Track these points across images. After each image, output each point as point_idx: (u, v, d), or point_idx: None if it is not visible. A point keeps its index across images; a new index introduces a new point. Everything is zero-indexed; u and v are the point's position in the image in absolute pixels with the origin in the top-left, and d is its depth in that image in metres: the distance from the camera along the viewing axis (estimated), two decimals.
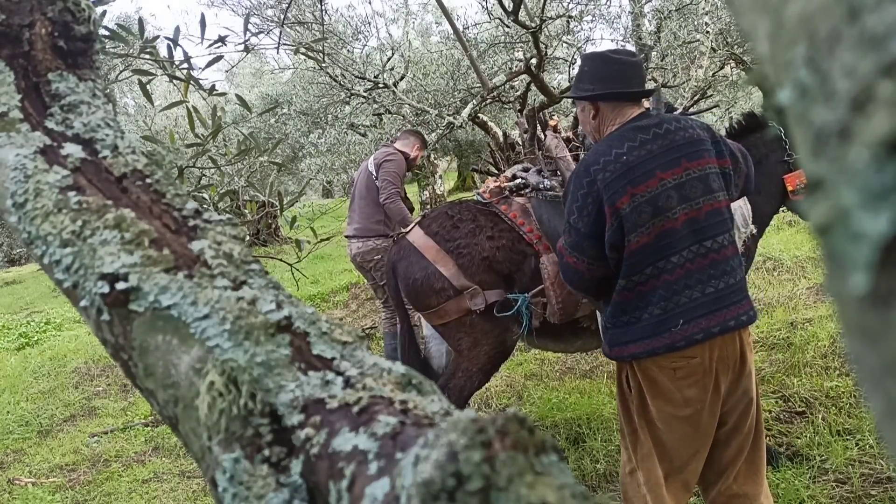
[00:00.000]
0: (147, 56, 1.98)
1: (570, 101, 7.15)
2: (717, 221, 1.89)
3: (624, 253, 1.89)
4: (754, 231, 2.84)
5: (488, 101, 5.33)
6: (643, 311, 1.90)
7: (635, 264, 1.88)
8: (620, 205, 1.86)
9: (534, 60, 4.82)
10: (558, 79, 7.69)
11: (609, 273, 1.95)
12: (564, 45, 6.31)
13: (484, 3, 6.07)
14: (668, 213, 1.85)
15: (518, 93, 5.50)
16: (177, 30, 2.05)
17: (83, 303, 0.60)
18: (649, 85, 5.52)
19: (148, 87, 2.07)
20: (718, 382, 1.91)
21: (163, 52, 2.02)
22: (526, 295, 2.72)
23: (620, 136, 1.93)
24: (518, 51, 5.90)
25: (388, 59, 6.44)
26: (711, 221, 1.88)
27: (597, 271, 1.95)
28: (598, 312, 2.79)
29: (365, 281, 7.13)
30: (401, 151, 4.37)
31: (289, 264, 2.65)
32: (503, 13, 4.78)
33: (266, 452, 0.49)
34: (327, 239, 3.07)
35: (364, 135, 6.66)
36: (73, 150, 0.67)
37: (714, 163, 1.93)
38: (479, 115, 5.62)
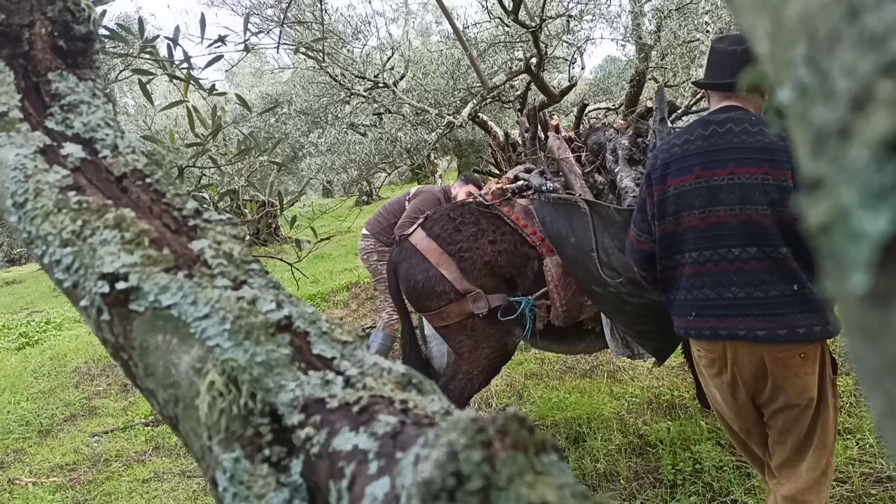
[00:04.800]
0: (147, 56, 1.98)
1: (570, 100, 7.16)
2: (750, 233, 1.81)
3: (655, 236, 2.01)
4: None
5: (488, 100, 5.33)
6: (675, 292, 2.00)
7: (663, 249, 1.98)
8: (656, 191, 1.96)
9: (534, 60, 4.82)
10: (558, 78, 7.69)
11: (652, 249, 2.03)
12: (564, 44, 6.30)
13: (484, 3, 6.07)
14: (695, 210, 1.87)
15: (518, 92, 5.50)
16: (177, 29, 2.05)
17: (83, 302, 0.60)
18: (650, 85, 5.52)
19: (148, 86, 2.07)
20: (736, 383, 1.92)
21: (163, 52, 2.02)
22: (529, 298, 2.72)
23: (689, 128, 2.00)
24: (518, 50, 5.90)
25: (388, 59, 6.44)
26: (743, 231, 1.81)
27: (644, 244, 2.04)
28: (601, 315, 2.79)
29: (365, 281, 7.15)
30: (445, 191, 4.29)
31: (289, 264, 2.65)
32: (503, 12, 4.78)
33: (266, 452, 0.49)
34: (327, 238, 3.07)
35: (364, 134, 6.66)
36: (73, 150, 0.67)
37: (776, 174, 1.81)
38: (480, 114, 5.62)
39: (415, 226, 2.94)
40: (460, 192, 4.14)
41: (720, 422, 2.16)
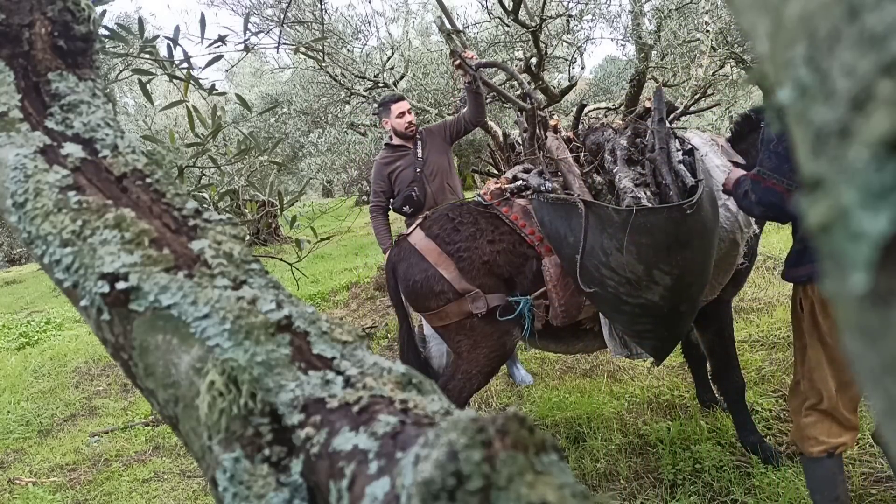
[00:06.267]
0: (147, 56, 1.98)
1: (570, 100, 7.15)
2: None
3: None
4: (756, 231, 2.84)
5: (488, 100, 5.32)
6: None
7: None
8: None
9: (534, 59, 4.82)
10: (558, 78, 7.68)
11: None
12: (564, 44, 6.30)
13: (484, 3, 6.07)
14: None
15: (518, 92, 5.49)
16: (177, 29, 2.05)
17: (83, 302, 0.60)
18: (650, 85, 5.52)
19: (148, 86, 2.07)
20: None
21: (163, 52, 2.02)
22: (528, 298, 2.72)
23: None
24: (518, 50, 5.90)
25: (388, 59, 6.44)
26: None
27: (795, 192, 2.06)
28: (600, 315, 2.79)
29: (365, 281, 7.15)
30: (383, 149, 4.12)
31: (289, 264, 2.65)
32: (503, 12, 4.78)
33: (266, 452, 0.49)
34: (327, 238, 3.07)
35: (364, 134, 6.66)
36: (73, 150, 0.67)
37: None
38: None
39: (413, 225, 2.94)
40: (387, 125, 4.02)
41: (813, 372, 2.18)
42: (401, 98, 4.02)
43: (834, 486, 2.18)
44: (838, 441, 2.15)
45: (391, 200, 4.02)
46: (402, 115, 3.92)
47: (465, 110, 3.95)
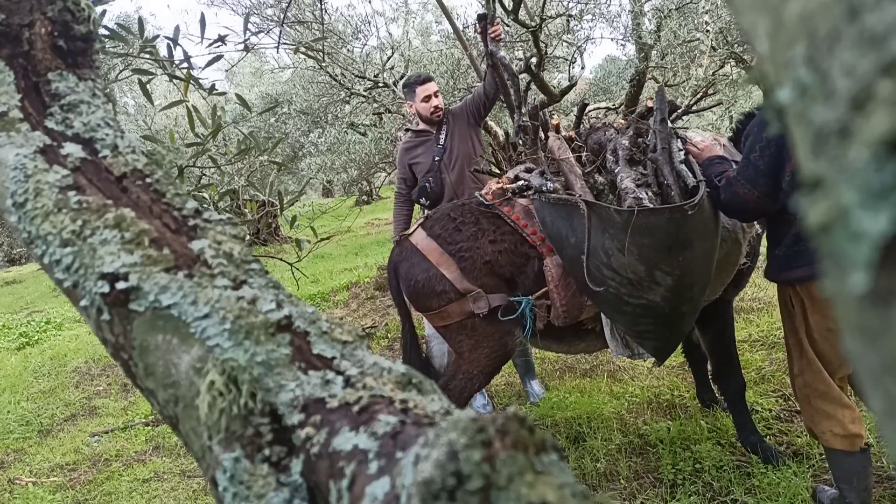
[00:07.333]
0: (147, 55, 1.98)
1: (570, 100, 7.16)
2: None
3: None
4: (759, 231, 2.84)
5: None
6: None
7: None
8: None
9: (534, 59, 4.82)
10: (558, 78, 7.68)
11: (770, 210, 2.17)
12: (564, 44, 6.30)
13: (484, 3, 6.07)
14: None
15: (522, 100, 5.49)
16: (177, 29, 2.05)
17: (83, 302, 0.60)
18: (650, 85, 5.52)
19: (148, 86, 2.07)
20: None
21: (163, 52, 2.02)
22: (529, 298, 2.72)
23: None
24: (518, 50, 5.90)
25: (388, 59, 6.44)
26: None
27: (761, 205, 2.15)
28: (602, 315, 2.79)
29: (365, 280, 7.15)
30: (405, 133, 3.91)
31: (289, 263, 2.65)
32: (503, 12, 4.78)
33: (266, 452, 0.49)
34: (327, 238, 3.06)
35: (364, 134, 6.66)
36: (73, 150, 0.67)
37: None
38: None
39: (415, 225, 2.94)
40: (412, 108, 3.75)
41: (811, 364, 2.27)
42: (427, 79, 3.68)
43: (863, 478, 2.28)
44: (857, 430, 2.23)
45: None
46: (427, 98, 3.61)
47: (481, 83, 3.71)
